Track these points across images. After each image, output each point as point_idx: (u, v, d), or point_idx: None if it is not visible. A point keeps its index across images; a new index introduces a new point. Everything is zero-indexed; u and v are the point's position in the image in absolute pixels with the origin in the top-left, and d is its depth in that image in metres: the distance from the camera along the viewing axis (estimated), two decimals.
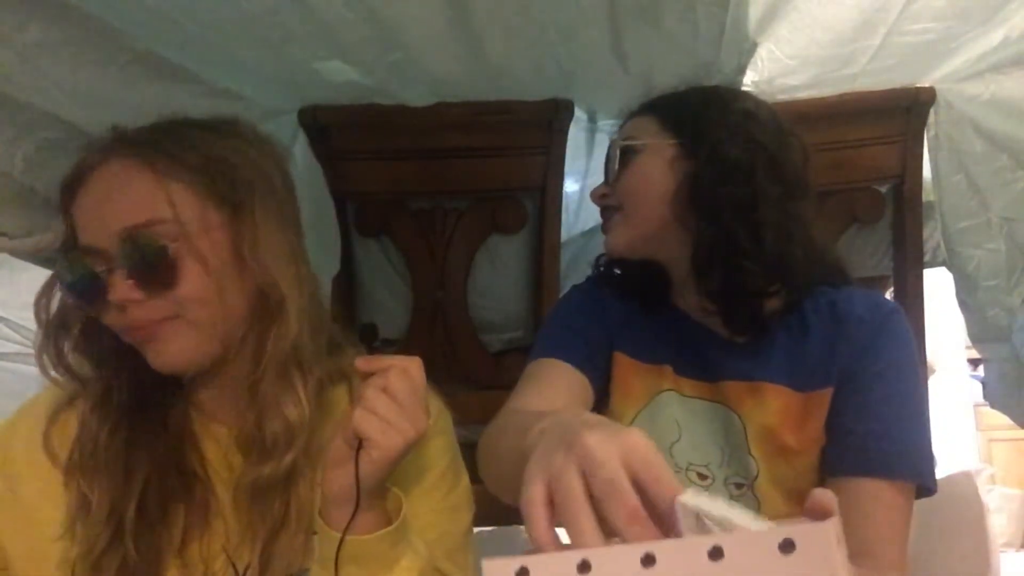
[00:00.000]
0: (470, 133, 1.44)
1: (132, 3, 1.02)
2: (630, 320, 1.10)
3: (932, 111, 1.45)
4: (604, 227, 1.09)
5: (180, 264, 0.80)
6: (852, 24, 1.21)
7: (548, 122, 1.45)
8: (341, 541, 0.78)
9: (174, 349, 0.82)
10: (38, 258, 1.20)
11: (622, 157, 1.05)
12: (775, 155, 0.99)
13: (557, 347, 1.05)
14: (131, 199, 0.80)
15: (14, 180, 1.06)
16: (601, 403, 1.07)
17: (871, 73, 1.35)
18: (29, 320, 1.68)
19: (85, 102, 1.08)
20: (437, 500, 0.92)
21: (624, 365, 1.07)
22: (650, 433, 1.02)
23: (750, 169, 0.98)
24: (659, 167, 1.02)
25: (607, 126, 1.55)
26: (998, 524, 3.89)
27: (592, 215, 1.67)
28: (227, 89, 1.26)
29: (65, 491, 0.84)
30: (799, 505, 0.99)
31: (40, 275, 1.64)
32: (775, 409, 1.01)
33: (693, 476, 1.03)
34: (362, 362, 0.80)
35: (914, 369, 1.02)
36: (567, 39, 1.22)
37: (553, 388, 1.00)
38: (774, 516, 0.98)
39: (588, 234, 1.69)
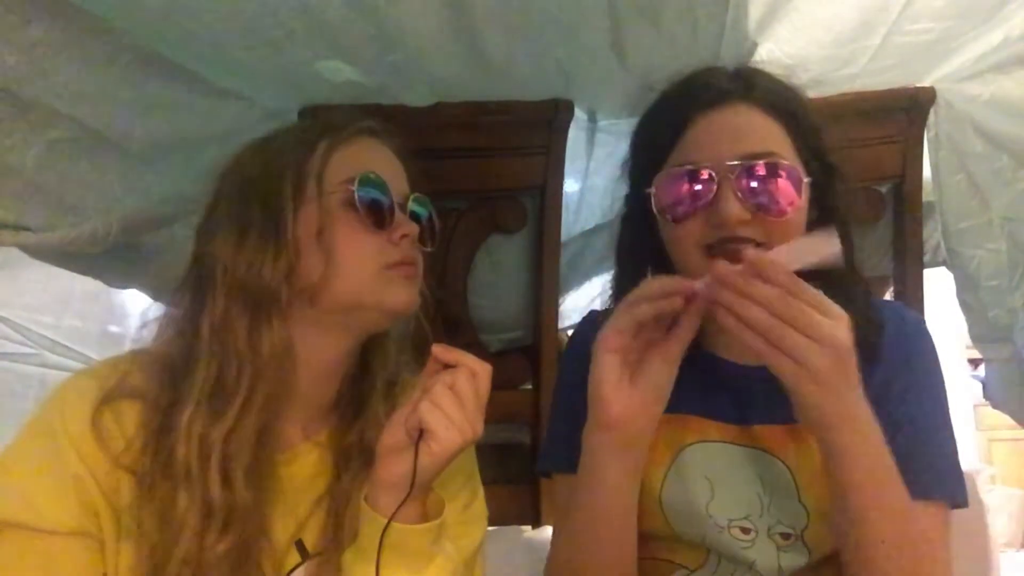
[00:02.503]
0: (470, 133, 1.44)
1: (133, 3, 1.02)
2: None
3: (932, 111, 1.45)
4: (724, 256, 0.88)
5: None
6: (852, 24, 1.21)
7: (548, 122, 1.45)
8: (387, 525, 0.79)
9: (416, 295, 0.93)
10: (61, 254, 1.21)
11: (784, 180, 0.90)
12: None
13: (568, 460, 0.97)
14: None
15: (26, 178, 1.07)
16: None
17: (871, 73, 1.35)
18: (29, 320, 1.69)
19: (89, 100, 1.08)
20: (456, 511, 0.93)
21: None
22: (681, 498, 0.98)
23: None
24: (804, 203, 0.92)
25: (607, 126, 1.55)
26: (998, 524, 3.88)
27: (592, 215, 1.66)
28: (228, 89, 1.26)
29: (112, 482, 0.82)
30: None
31: (40, 276, 1.65)
32: (819, 449, 0.92)
33: (736, 532, 0.96)
34: (440, 349, 0.84)
35: (940, 379, 0.99)
36: (567, 39, 1.22)
37: None
38: (823, 561, 0.94)
39: (588, 234, 1.69)
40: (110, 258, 1.27)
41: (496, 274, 1.56)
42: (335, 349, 0.93)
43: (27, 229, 1.14)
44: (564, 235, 1.56)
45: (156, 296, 1.44)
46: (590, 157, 1.60)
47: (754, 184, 0.89)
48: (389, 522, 0.79)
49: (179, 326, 0.90)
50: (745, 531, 0.96)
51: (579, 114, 1.47)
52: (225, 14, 1.06)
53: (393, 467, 0.81)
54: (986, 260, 1.46)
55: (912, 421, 0.93)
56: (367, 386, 0.96)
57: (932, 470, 0.92)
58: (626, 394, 0.86)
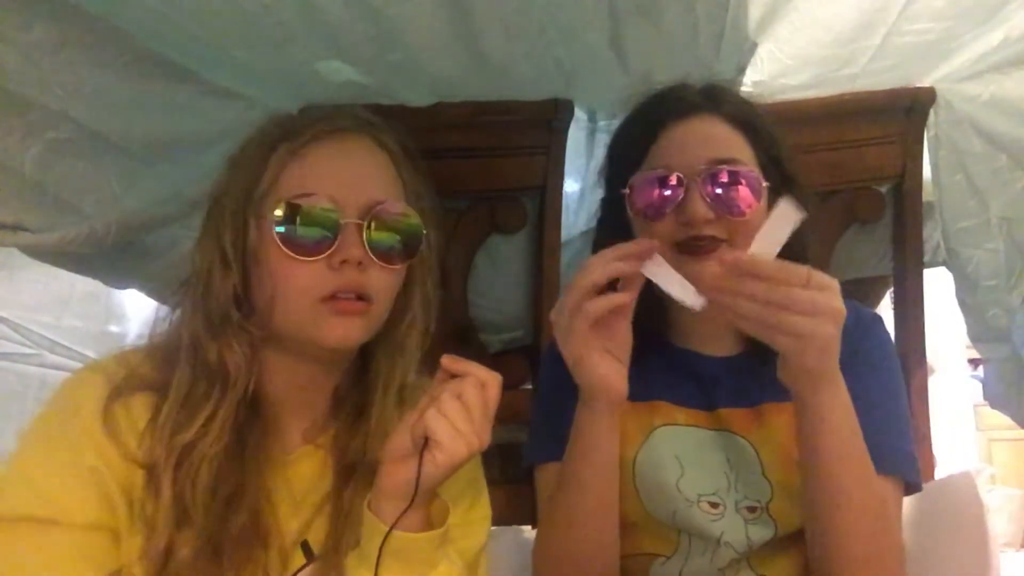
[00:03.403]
0: (470, 133, 1.44)
1: (133, 3, 1.02)
2: None
3: (932, 111, 1.45)
4: (696, 255, 0.98)
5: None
6: (852, 24, 1.21)
7: (548, 122, 1.45)
8: (388, 534, 0.78)
9: (359, 330, 0.86)
10: (60, 254, 1.21)
11: (744, 185, 0.98)
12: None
13: (552, 449, 1.04)
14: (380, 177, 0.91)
15: (25, 178, 1.07)
16: None
17: (871, 73, 1.35)
18: (29, 320, 1.69)
19: (89, 101, 1.08)
20: (459, 513, 0.92)
21: None
22: (652, 474, 1.04)
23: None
24: (763, 206, 0.99)
25: (607, 126, 1.55)
26: (998, 524, 3.88)
27: (592, 215, 1.66)
28: (227, 89, 1.26)
29: (126, 476, 0.81)
30: None
31: (40, 276, 1.65)
32: (782, 426, 1.02)
33: (705, 506, 1.03)
34: (448, 360, 0.81)
35: (895, 370, 1.06)
36: (567, 39, 1.22)
37: None
38: (790, 532, 1.01)
39: (588, 234, 1.68)
40: (110, 258, 1.27)
41: (496, 274, 1.56)
42: (309, 366, 0.91)
43: (26, 229, 1.14)
44: (564, 235, 1.56)
45: (156, 296, 1.44)
46: (590, 157, 1.60)
47: (718, 187, 0.97)
48: (390, 530, 0.78)
49: (173, 325, 0.90)
50: (713, 505, 1.03)
51: (579, 114, 1.47)
52: (225, 14, 1.06)
53: (397, 474, 0.79)
54: (984, 260, 1.46)
55: (866, 405, 0.98)
56: (367, 392, 0.94)
57: (885, 449, 0.97)
58: (615, 369, 0.92)
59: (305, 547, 0.89)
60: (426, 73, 1.29)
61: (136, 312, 1.71)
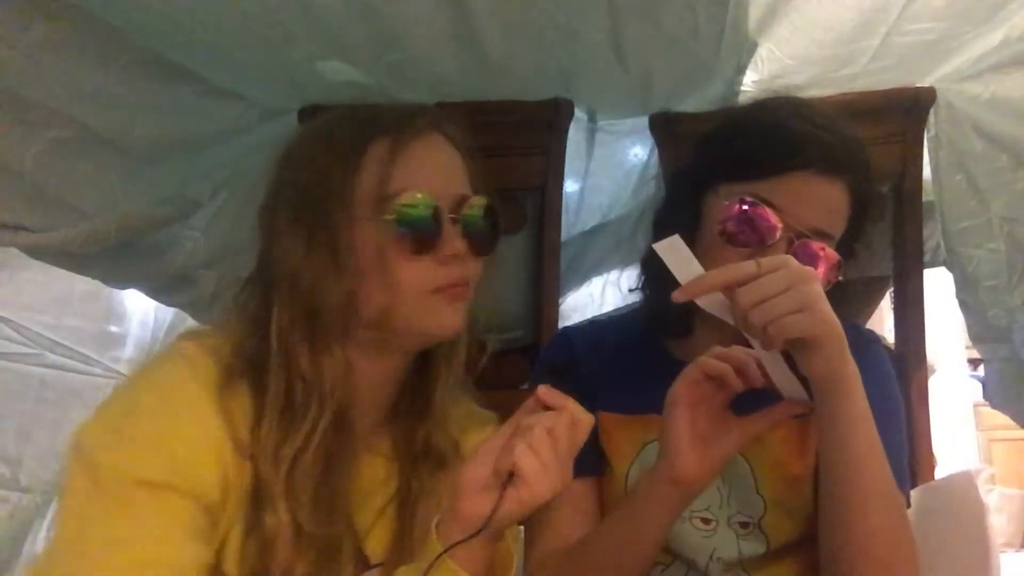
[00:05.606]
0: (470, 133, 1.44)
1: (133, 3, 1.02)
2: (605, 376, 1.09)
3: (932, 111, 1.44)
4: None
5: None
6: (852, 24, 1.21)
7: (548, 122, 1.44)
8: (438, 558, 0.74)
9: (462, 316, 0.89)
10: (60, 254, 1.21)
11: (822, 263, 0.96)
12: None
13: None
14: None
15: (25, 178, 1.07)
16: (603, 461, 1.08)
17: (871, 73, 1.35)
18: (29, 320, 1.69)
19: (89, 101, 1.08)
20: None
21: (607, 421, 1.07)
22: None
23: None
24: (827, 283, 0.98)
25: (607, 126, 1.55)
26: (998, 524, 3.88)
27: (592, 215, 1.66)
28: (227, 89, 1.26)
29: (235, 465, 0.79)
30: (807, 529, 1.01)
31: (40, 276, 1.65)
32: (777, 441, 1.02)
33: (697, 522, 1.03)
34: (545, 392, 0.79)
35: (894, 391, 1.07)
36: (567, 39, 1.22)
37: (568, 511, 1.01)
38: (783, 547, 1.01)
39: (588, 234, 1.69)
40: (110, 258, 1.27)
41: (496, 274, 1.56)
42: (388, 363, 0.91)
43: (26, 229, 1.14)
44: (564, 235, 1.56)
45: (156, 296, 1.44)
46: (590, 157, 1.60)
47: (804, 256, 0.94)
48: (441, 555, 0.74)
49: (250, 321, 0.86)
50: (706, 522, 1.03)
51: (579, 114, 1.47)
52: (225, 14, 1.06)
53: (476, 506, 0.75)
54: (985, 260, 1.46)
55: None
56: (430, 388, 0.94)
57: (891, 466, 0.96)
58: (699, 455, 0.89)
59: (359, 556, 0.88)
60: (426, 73, 1.29)
61: (136, 312, 1.71)
